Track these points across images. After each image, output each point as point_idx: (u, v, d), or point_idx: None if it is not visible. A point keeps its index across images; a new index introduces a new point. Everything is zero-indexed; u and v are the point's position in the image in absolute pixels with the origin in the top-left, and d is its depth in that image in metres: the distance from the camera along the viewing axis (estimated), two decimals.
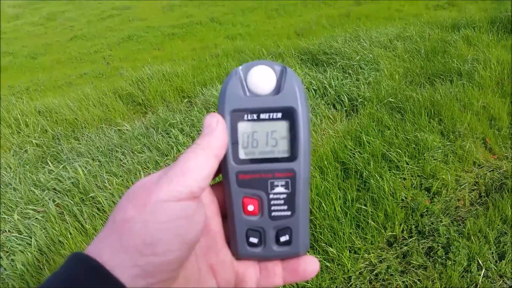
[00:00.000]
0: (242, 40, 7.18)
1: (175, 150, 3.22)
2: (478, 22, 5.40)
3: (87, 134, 3.85)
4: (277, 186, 0.42)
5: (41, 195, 2.87)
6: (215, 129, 0.40)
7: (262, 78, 0.42)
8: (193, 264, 0.40)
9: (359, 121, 3.35)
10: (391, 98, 3.59)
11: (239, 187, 0.42)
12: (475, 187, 2.60)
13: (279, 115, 0.42)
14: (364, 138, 2.99)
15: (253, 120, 0.42)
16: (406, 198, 2.51)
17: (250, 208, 0.42)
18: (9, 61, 8.32)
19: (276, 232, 0.43)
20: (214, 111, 0.42)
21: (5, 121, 4.26)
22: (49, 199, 2.81)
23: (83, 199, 2.78)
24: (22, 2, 14.42)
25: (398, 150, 2.85)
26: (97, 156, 3.30)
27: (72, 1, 13.56)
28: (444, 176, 2.62)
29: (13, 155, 3.63)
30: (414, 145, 2.89)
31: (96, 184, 2.89)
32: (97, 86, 5.24)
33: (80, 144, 3.63)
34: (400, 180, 2.64)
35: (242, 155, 0.42)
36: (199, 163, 0.37)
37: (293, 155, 0.42)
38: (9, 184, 3.07)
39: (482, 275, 1.99)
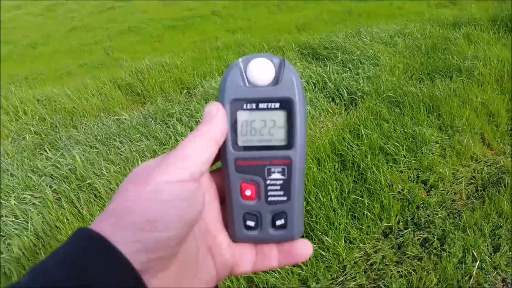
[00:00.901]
0: (243, 34, 7.16)
1: (173, 140, 3.22)
2: (479, 21, 5.40)
3: (85, 123, 3.85)
4: (274, 172, 0.44)
5: (38, 181, 2.87)
6: (215, 116, 0.41)
7: (261, 70, 0.43)
8: (192, 245, 0.41)
9: (357, 115, 3.35)
10: (390, 93, 3.59)
11: (237, 173, 0.44)
12: (472, 181, 2.61)
13: (277, 105, 0.44)
14: (362, 131, 2.99)
15: (252, 109, 0.44)
16: (402, 190, 2.51)
17: (248, 193, 0.44)
18: (9, 50, 8.29)
19: (272, 216, 0.45)
20: (213, 101, 0.43)
21: (4, 109, 4.25)
22: (46, 185, 2.81)
23: (80, 186, 2.78)
24: None
25: (396, 143, 2.85)
26: (95, 144, 3.30)
27: None
28: (441, 170, 2.63)
29: (11, 142, 3.63)
30: (412, 139, 2.90)
31: (94, 171, 2.89)
32: (97, 76, 5.24)
33: (78, 132, 3.63)
34: (397, 172, 2.65)
35: (240, 142, 0.44)
36: (199, 148, 0.39)
37: (289, 144, 0.44)
38: (7, 170, 3.07)
39: (476, 267, 2.00)
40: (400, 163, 2.71)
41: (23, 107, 4.25)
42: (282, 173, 0.44)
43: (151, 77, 4.69)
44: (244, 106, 0.43)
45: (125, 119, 3.78)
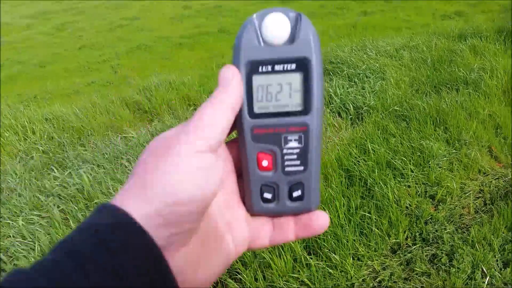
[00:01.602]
0: None
1: None
2: (485, 32, 5.39)
3: (93, 141, 3.88)
4: (291, 140, 0.43)
5: (45, 201, 2.88)
6: (231, 82, 0.40)
7: (277, 27, 0.42)
8: (210, 220, 0.41)
9: (364, 129, 3.34)
10: (397, 107, 3.58)
11: (254, 143, 0.43)
12: (480, 195, 2.58)
13: (293, 66, 0.42)
14: (369, 145, 2.98)
15: (267, 72, 0.42)
16: (410, 205, 2.49)
17: (265, 163, 0.43)
18: (19, 70, 8.42)
19: (289, 187, 0.44)
20: (228, 64, 0.42)
21: (13, 128, 4.30)
22: (54, 205, 2.82)
23: (88, 205, 2.79)
24: (35, 13, 14.62)
25: (403, 158, 2.84)
26: (102, 163, 3.31)
27: (83, 12, 13.75)
28: (449, 184, 2.60)
29: (19, 162, 3.66)
30: (419, 153, 2.88)
31: (101, 190, 2.90)
32: (104, 95, 5.29)
33: (86, 150, 3.65)
34: (404, 187, 2.63)
35: (257, 109, 0.42)
36: (216, 116, 0.38)
37: (306, 109, 0.42)
38: (15, 190, 3.09)
39: (486, 283, 1.96)
40: (407, 178, 2.69)
41: (32, 126, 4.29)
42: (299, 141, 0.42)
43: (159, 95, 4.73)
44: (260, 69, 0.42)
45: (132, 137, 3.81)
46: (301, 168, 0.43)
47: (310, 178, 0.43)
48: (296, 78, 0.42)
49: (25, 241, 2.55)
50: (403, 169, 2.75)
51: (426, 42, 5.42)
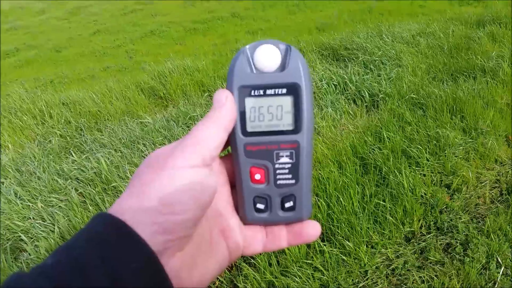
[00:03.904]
0: (263, 35, 7.18)
1: None
2: (504, 18, 5.29)
3: (109, 126, 3.92)
4: (282, 156, 0.45)
5: (64, 184, 2.94)
6: (225, 103, 0.43)
7: (268, 56, 0.44)
8: (205, 227, 0.44)
9: (379, 117, 3.33)
10: (413, 94, 3.56)
11: (247, 158, 0.45)
12: (496, 185, 2.57)
13: (284, 90, 0.44)
14: (384, 133, 2.97)
15: (259, 95, 0.45)
16: (425, 194, 2.49)
17: (257, 177, 0.46)
18: (34, 54, 8.49)
19: (281, 199, 0.46)
20: (222, 88, 0.45)
21: (31, 112, 4.37)
22: (72, 188, 2.88)
23: (105, 189, 2.84)
24: None
25: (418, 146, 2.83)
26: (119, 148, 3.36)
27: None
28: (464, 173, 2.60)
29: (37, 145, 3.72)
30: (435, 142, 2.87)
31: (118, 175, 2.94)
32: (120, 80, 5.33)
33: (103, 135, 3.70)
34: (420, 176, 2.62)
35: (249, 128, 0.45)
36: (210, 134, 0.41)
37: (297, 128, 0.45)
38: (34, 173, 3.15)
39: (501, 273, 1.97)
40: (423, 167, 2.69)
41: (49, 110, 4.35)
42: (290, 157, 0.45)
43: (173, 80, 4.75)
44: (252, 93, 0.44)
45: (148, 122, 3.84)
46: (293, 181, 0.46)
47: (302, 190, 0.46)
48: (287, 101, 0.45)
49: (44, 223, 2.61)
50: (419, 158, 2.75)
51: (443, 28, 5.34)
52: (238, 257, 0.48)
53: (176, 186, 0.37)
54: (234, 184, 0.48)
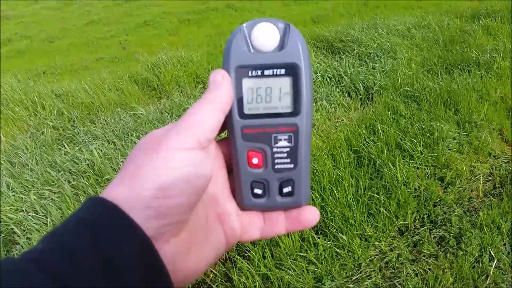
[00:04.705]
0: None
1: None
2: (500, 12, 5.29)
3: (102, 118, 3.89)
4: (281, 140, 0.44)
5: (56, 176, 2.92)
6: (221, 84, 0.41)
7: (266, 35, 0.43)
8: (201, 212, 0.42)
9: (374, 110, 3.32)
10: (408, 87, 3.55)
11: (244, 141, 0.44)
12: (490, 178, 2.58)
13: (283, 71, 0.43)
14: (378, 126, 2.97)
15: (257, 76, 0.43)
16: (419, 187, 2.50)
17: (255, 161, 0.44)
18: (27, 44, 8.40)
19: (279, 183, 0.45)
20: (218, 69, 0.43)
21: (23, 103, 4.32)
22: (65, 180, 2.86)
23: (98, 181, 2.82)
24: None
25: (412, 139, 2.83)
26: (113, 139, 3.34)
27: None
28: (458, 167, 2.60)
29: (30, 137, 3.69)
30: (429, 135, 2.87)
31: (111, 167, 2.92)
32: (113, 71, 5.28)
33: (96, 127, 3.67)
34: (413, 169, 2.63)
35: (246, 110, 0.43)
36: (206, 116, 0.39)
37: (296, 110, 0.44)
38: (26, 165, 3.13)
39: (493, 266, 1.98)
40: (416, 160, 2.69)
41: (42, 101, 4.31)
42: (289, 140, 0.44)
43: (167, 72, 4.71)
44: (249, 73, 0.43)
45: (141, 114, 3.81)
46: (291, 165, 0.45)
47: (300, 174, 0.45)
48: (285, 82, 0.43)
49: (37, 215, 2.59)
50: (413, 151, 2.75)
51: (438, 21, 5.34)
52: (235, 243, 0.47)
53: (170, 169, 0.36)
54: (231, 169, 0.46)
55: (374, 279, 2.01)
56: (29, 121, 4.02)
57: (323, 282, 1.99)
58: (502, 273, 1.96)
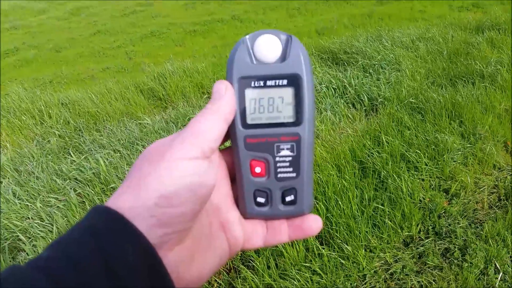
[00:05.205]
0: None
1: None
2: (504, 24, 5.31)
3: (108, 127, 3.92)
4: (283, 149, 0.45)
5: (62, 184, 2.94)
6: (224, 95, 0.42)
7: (268, 47, 0.44)
8: (205, 220, 0.43)
9: (378, 121, 3.33)
10: (412, 99, 3.57)
11: (247, 151, 0.45)
12: (495, 190, 2.58)
13: (285, 82, 0.44)
14: (383, 137, 2.98)
15: (260, 86, 0.44)
16: (424, 199, 2.50)
17: (258, 170, 0.45)
18: (34, 54, 8.48)
19: (282, 192, 0.46)
20: (221, 79, 0.44)
21: (29, 112, 4.36)
22: (71, 188, 2.87)
23: (104, 190, 2.83)
24: None
25: (417, 150, 2.83)
26: (118, 148, 3.36)
27: None
28: (463, 178, 2.60)
29: (36, 145, 3.72)
30: (433, 146, 2.87)
31: (117, 175, 2.94)
32: (119, 80, 5.33)
33: (102, 136, 3.70)
34: (418, 181, 2.63)
35: (249, 120, 0.44)
36: (209, 126, 0.40)
37: (298, 120, 0.44)
38: (32, 173, 3.15)
39: (499, 279, 1.97)
40: (421, 171, 2.69)
41: (48, 110, 4.35)
42: (291, 149, 0.45)
43: (173, 82, 4.75)
44: (252, 84, 0.44)
45: (147, 123, 3.84)
46: (294, 174, 0.45)
47: (303, 183, 0.46)
48: (287, 92, 0.44)
49: (43, 222, 2.60)
50: (417, 162, 2.75)
51: (442, 33, 5.36)
52: (238, 251, 0.47)
53: (174, 178, 0.37)
54: (234, 178, 0.47)
55: None
56: (35, 129, 4.05)
57: None
58: (508, 285, 1.95)
